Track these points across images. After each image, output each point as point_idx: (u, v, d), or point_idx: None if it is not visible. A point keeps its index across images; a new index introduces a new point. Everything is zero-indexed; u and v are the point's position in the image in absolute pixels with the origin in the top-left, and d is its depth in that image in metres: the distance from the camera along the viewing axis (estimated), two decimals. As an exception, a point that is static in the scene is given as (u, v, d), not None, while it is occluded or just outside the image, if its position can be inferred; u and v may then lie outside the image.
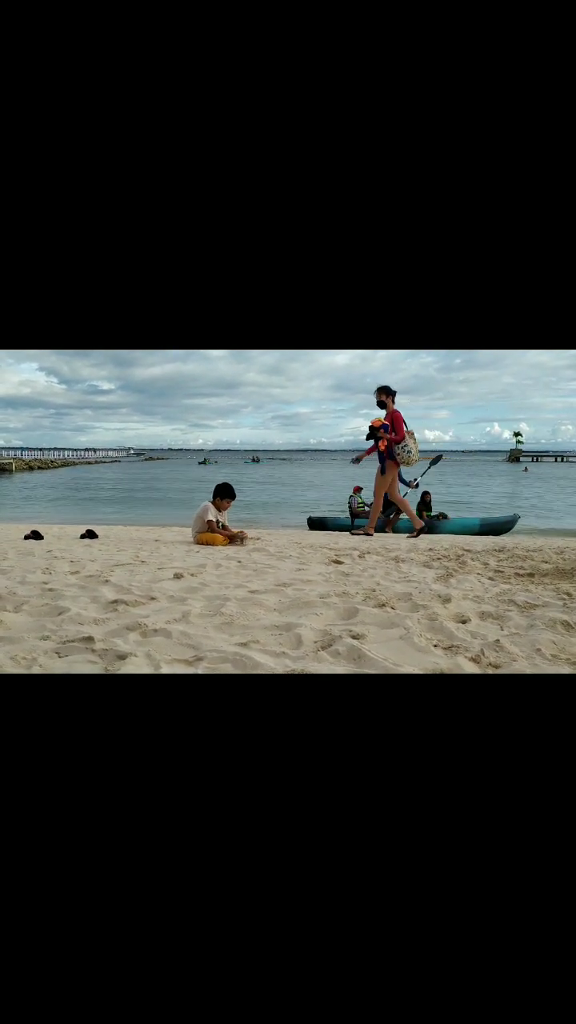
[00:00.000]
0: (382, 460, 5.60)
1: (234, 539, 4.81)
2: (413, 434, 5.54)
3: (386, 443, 5.52)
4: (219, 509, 4.89)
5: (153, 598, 2.45)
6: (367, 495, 8.98)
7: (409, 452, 5.45)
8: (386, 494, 5.82)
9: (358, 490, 8.97)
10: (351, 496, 8.95)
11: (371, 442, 5.64)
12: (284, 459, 79.96)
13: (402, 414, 5.54)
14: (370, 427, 5.63)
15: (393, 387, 5.58)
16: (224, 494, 4.89)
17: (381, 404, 5.59)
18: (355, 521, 8.58)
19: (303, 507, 13.35)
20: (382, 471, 5.63)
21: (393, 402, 5.54)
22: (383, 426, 5.56)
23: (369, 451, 5.72)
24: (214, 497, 4.90)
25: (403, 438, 5.45)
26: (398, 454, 5.48)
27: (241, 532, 4.93)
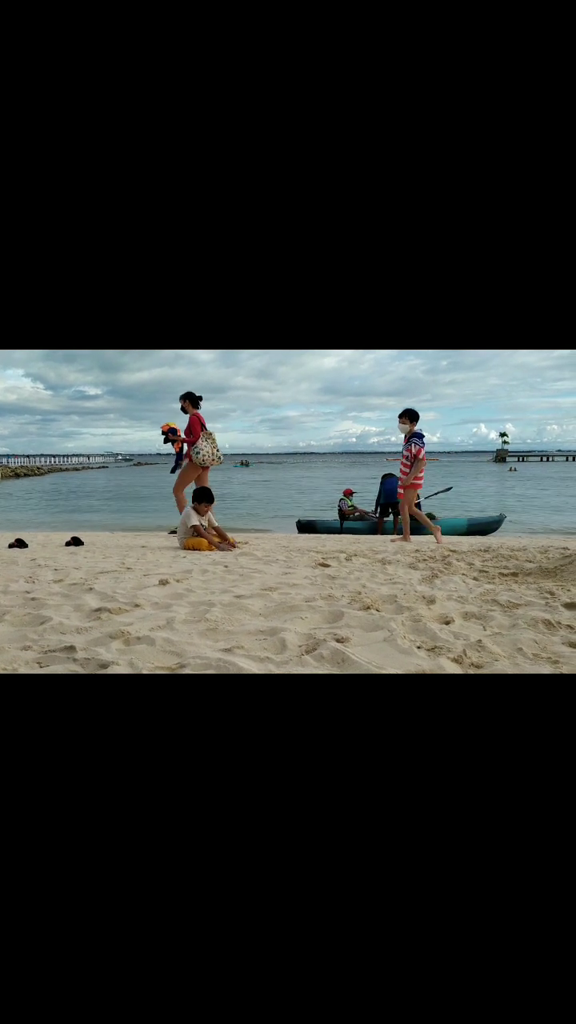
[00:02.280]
0: (178, 461, 6.05)
1: (223, 541, 4.82)
2: (211, 436, 5.85)
3: (180, 445, 5.95)
4: (200, 514, 4.90)
5: (137, 605, 2.44)
6: (357, 499, 9.02)
7: (198, 452, 5.76)
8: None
9: (348, 493, 9.00)
10: (341, 499, 8.98)
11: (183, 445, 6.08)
12: (273, 462, 79.98)
13: (202, 418, 5.90)
14: (161, 431, 6.11)
15: (198, 393, 6.02)
16: (201, 498, 4.91)
17: (183, 409, 5.98)
18: (344, 524, 8.60)
19: (292, 510, 13.35)
20: (172, 471, 6.13)
21: (195, 407, 5.91)
22: (170, 430, 6.04)
23: (178, 448, 6.11)
24: (193, 503, 4.92)
25: (195, 440, 5.78)
26: (194, 455, 5.85)
27: (232, 539, 4.96)
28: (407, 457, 5.44)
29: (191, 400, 5.88)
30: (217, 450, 5.84)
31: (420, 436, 5.42)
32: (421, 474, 5.41)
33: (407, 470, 5.44)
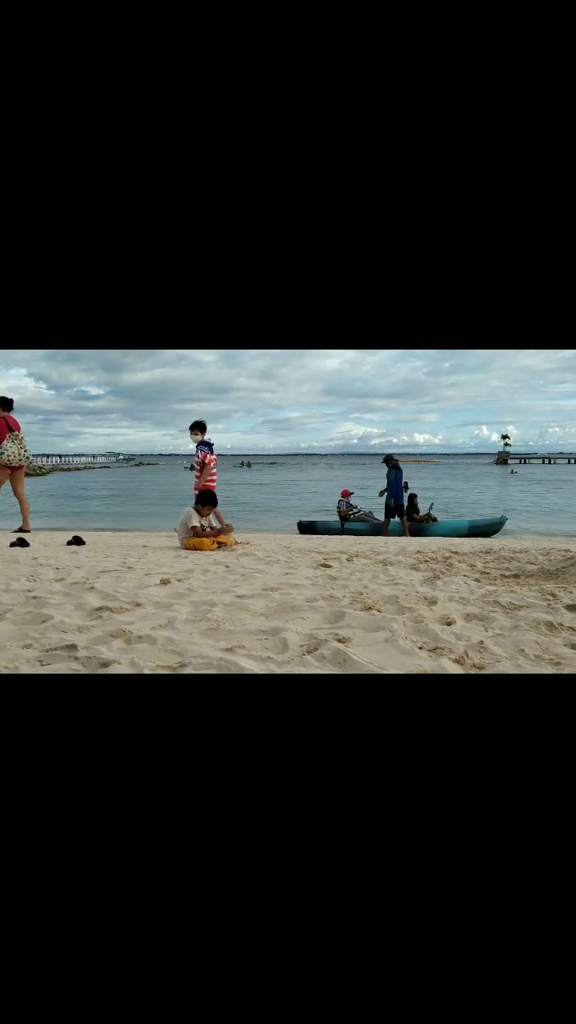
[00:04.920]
0: None
1: (222, 539, 4.84)
2: (19, 438, 6.24)
3: None
4: (201, 515, 4.91)
5: (139, 604, 2.44)
6: (355, 500, 9.01)
7: (2, 453, 6.13)
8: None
9: (346, 495, 8.99)
10: (340, 500, 8.97)
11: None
12: (275, 463, 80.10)
13: (11, 420, 6.28)
14: None
15: (10, 396, 6.43)
16: (205, 501, 4.92)
17: None
18: (345, 525, 8.60)
19: (293, 511, 13.35)
20: None
21: (6, 409, 6.32)
22: None
23: None
24: (196, 504, 4.93)
25: (0, 441, 6.14)
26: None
27: (227, 526, 4.96)
28: (198, 462, 6.25)
29: (1, 403, 6.32)
30: (25, 451, 6.25)
31: (208, 444, 6.25)
32: (211, 477, 6.19)
33: (199, 473, 6.20)
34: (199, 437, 6.25)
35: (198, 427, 6.29)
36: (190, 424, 6.35)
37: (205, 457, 6.16)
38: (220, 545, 4.80)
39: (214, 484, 6.22)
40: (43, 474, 38.92)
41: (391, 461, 8.46)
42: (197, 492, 6.13)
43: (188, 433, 6.13)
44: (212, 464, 6.20)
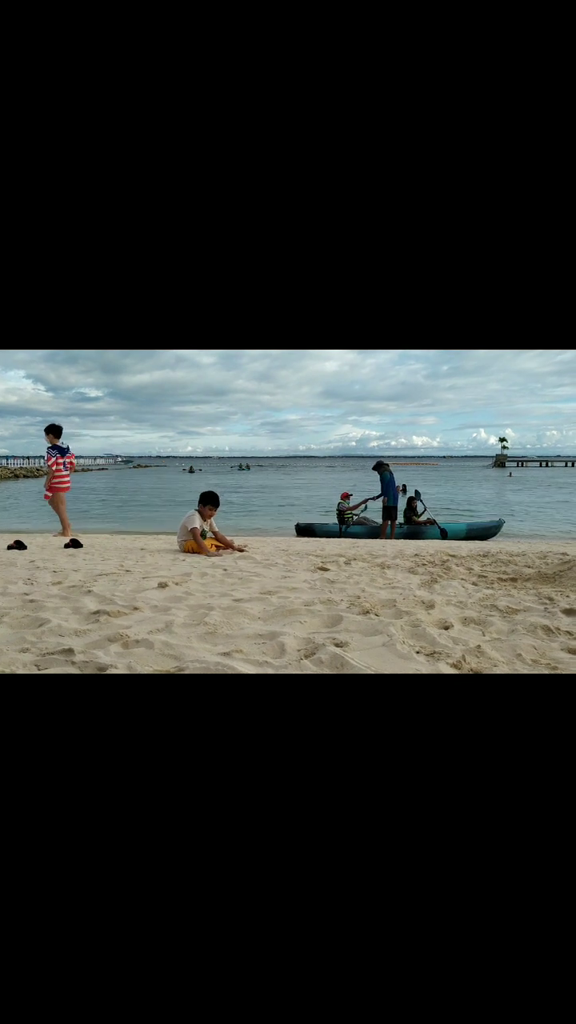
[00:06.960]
0: None
1: (227, 546, 4.85)
2: None
3: None
4: (204, 517, 4.89)
5: (136, 608, 2.43)
6: (355, 502, 9.03)
7: None
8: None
9: (346, 496, 9.00)
10: (339, 502, 8.98)
11: None
12: (273, 466, 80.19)
13: None
14: None
15: None
16: (207, 502, 4.90)
17: None
18: (343, 528, 8.61)
19: (291, 513, 13.35)
20: None
21: None
22: None
23: None
24: (199, 505, 4.91)
25: None
26: None
27: (233, 543, 4.99)
28: (47, 464, 6.53)
29: None
30: None
31: (57, 448, 6.48)
32: (58, 479, 6.43)
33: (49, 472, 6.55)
34: (53, 441, 6.56)
35: (52, 431, 6.60)
36: (46, 427, 6.62)
37: (50, 460, 6.50)
38: (218, 547, 4.80)
39: (64, 487, 6.50)
40: (41, 476, 39.22)
41: (383, 466, 8.64)
42: (48, 495, 6.47)
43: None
44: (59, 468, 6.52)
